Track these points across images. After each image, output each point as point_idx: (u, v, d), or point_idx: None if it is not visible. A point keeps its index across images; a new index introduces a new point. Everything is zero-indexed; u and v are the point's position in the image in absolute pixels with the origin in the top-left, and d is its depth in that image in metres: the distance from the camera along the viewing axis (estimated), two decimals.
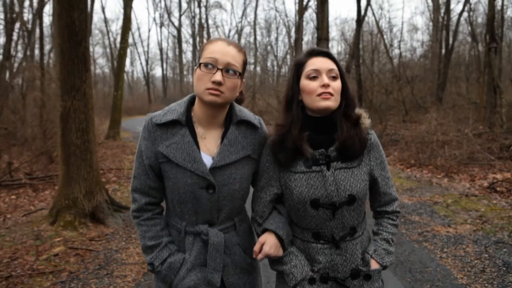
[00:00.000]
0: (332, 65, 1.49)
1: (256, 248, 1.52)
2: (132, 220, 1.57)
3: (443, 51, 19.14)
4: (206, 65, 1.42)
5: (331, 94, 1.45)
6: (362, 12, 16.18)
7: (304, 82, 1.49)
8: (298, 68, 1.52)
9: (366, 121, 1.54)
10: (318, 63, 1.48)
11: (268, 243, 1.50)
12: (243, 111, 1.59)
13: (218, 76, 1.40)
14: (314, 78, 1.47)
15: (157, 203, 1.58)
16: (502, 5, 16.29)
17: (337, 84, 1.48)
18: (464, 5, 18.95)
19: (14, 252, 4.28)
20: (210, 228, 1.51)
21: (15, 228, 5.16)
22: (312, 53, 1.52)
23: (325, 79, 1.45)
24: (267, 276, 3.23)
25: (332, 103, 1.46)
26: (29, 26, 15.78)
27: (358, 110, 1.55)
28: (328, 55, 1.51)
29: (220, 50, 1.43)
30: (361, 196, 1.48)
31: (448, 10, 19.58)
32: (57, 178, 8.36)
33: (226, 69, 1.42)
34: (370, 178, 1.54)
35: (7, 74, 12.88)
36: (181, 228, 1.54)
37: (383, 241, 1.56)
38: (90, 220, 5.18)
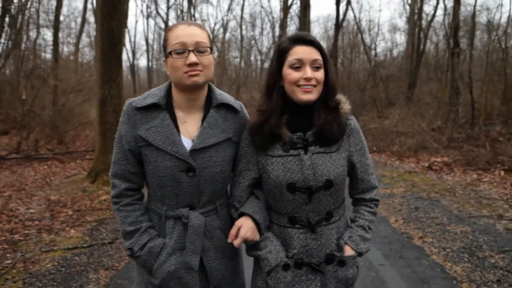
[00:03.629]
0: (317, 55, 1.43)
1: (233, 231, 1.48)
2: (112, 207, 1.56)
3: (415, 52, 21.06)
4: (177, 52, 1.40)
5: (314, 86, 1.42)
6: (342, 15, 17.96)
7: (287, 71, 1.44)
8: (281, 54, 1.46)
9: (345, 106, 1.51)
10: (302, 52, 1.42)
11: (244, 227, 1.47)
12: (223, 95, 1.57)
13: (192, 58, 1.39)
14: (297, 68, 1.42)
15: (137, 189, 1.55)
16: (474, 11, 18.20)
17: (320, 75, 1.44)
18: (435, 12, 21.04)
19: (72, 198, 5.88)
20: (191, 211, 1.49)
21: (63, 185, 6.75)
22: (297, 41, 1.45)
23: (308, 71, 1.41)
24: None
25: (313, 96, 1.43)
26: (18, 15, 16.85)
27: (337, 96, 1.52)
28: (313, 43, 1.44)
29: (185, 33, 1.42)
30: (338, 182, 1.45)
31: (420, 15, 21.47)
32: (76, 153, 9.98)
33: (197, 49, 1.41)
34: (348, 164, 1.51)
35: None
36: (162, 212, 1.52)
37: (359, 228, 1.53)
38: None
